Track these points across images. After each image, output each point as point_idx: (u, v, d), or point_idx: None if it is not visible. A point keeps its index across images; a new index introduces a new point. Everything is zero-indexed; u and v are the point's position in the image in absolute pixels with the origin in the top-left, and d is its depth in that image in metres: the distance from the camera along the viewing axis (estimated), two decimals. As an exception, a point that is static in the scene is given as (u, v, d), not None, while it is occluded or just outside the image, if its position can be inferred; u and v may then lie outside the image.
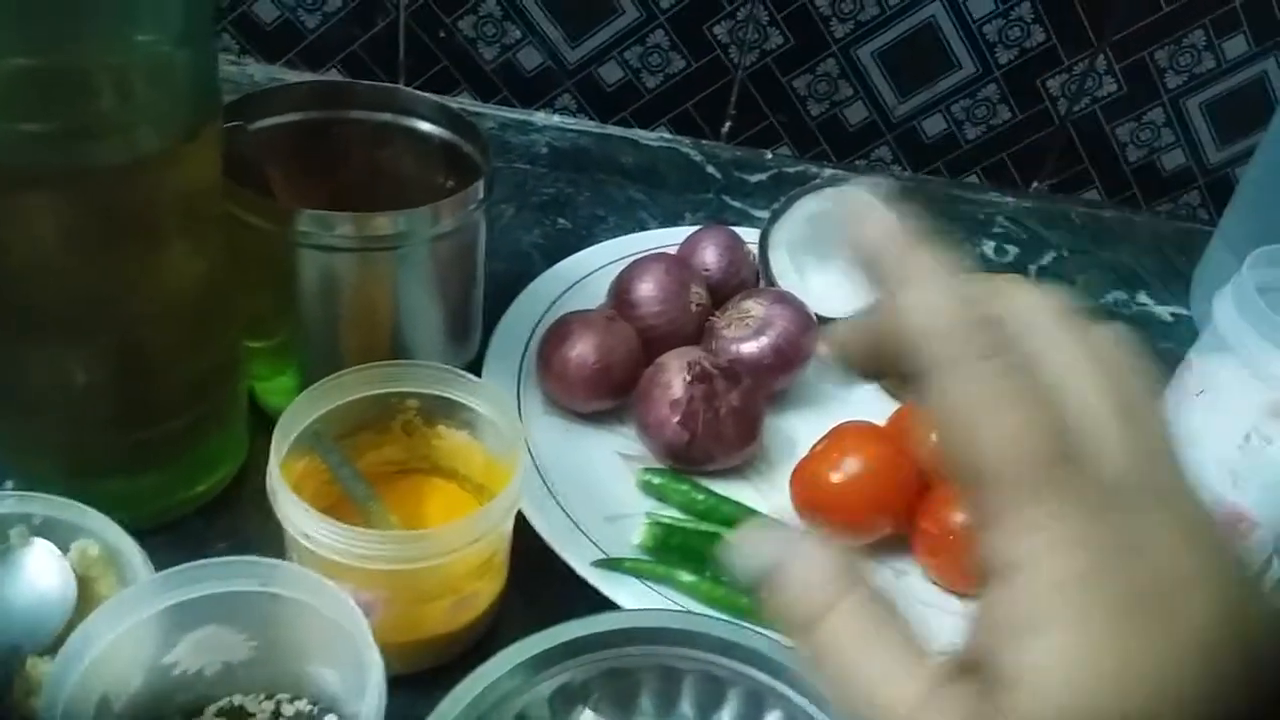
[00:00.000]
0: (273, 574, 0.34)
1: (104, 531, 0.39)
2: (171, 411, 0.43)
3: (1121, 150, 0.82)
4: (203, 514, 0.47)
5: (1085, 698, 0.18)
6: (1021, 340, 0.21)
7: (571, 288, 0.61)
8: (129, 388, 0.41)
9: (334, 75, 0.81)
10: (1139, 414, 0.21)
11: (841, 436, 0.49)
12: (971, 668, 0.19)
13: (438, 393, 0.43)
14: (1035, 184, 0.84)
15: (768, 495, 0.52)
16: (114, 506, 0.44)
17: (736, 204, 0.78)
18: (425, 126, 0.52)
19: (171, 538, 0.46)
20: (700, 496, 0.49)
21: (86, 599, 0.39)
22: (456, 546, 0.37)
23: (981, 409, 0.20)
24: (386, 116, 0.52)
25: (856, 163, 0.84)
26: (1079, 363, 0.21)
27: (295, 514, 0.36)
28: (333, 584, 0.34)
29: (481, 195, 0.48)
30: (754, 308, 0.56)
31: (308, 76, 0.80)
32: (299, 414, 0.40)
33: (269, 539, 0.47)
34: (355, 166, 0.53)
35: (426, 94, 0.52)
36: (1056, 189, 0.85)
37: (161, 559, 0.45)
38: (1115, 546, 0.18)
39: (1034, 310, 0.22)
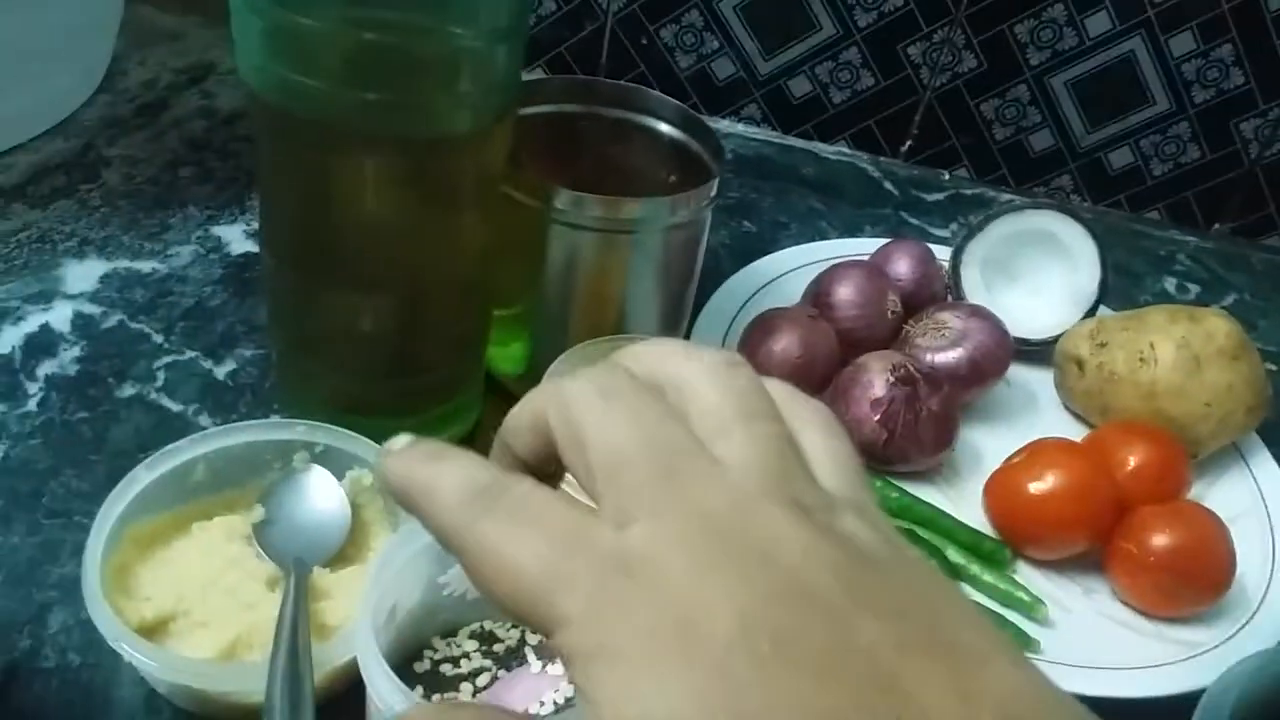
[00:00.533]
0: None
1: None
2: (434, 365, 0.47)
3: (1311, 198, 0.81)
4: (437, 462, 0.52)
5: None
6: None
7: (764, 287, 0.64)
8: (404, 339, 0.46)
9: (538, 74, 0.86)
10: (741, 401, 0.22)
11: (1042, 450, 0.51)
12: None
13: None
14: (1217, 225, 0.84)
15: (956, 502, 0.54)
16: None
17: (914, 221, 0.80)
18: (660, 125, 0.56)
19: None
20: (894, 494, 0.52)
21: (357, 522, 0.44)
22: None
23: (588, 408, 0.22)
24: (623, 113, 0.56)
25: (1035, 189, 0.84)
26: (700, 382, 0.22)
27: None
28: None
29: (713, 193, 0.52)
30: (950, 319, 0.58)
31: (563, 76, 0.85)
32: (555, 370, 0.44)
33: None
34: (592, 157, 0.57)
35: (667, 96, 0.55)
36: (1238, 232, 0.84)
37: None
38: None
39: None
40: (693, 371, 0.23)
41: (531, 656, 0.40)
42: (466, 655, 0.40)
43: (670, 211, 0.50)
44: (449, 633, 0.41)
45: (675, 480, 0.20)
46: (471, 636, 0.41)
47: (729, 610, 0.18)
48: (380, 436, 0.49)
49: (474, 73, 0.39)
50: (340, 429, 0.44)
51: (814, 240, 0.73)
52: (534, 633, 0.41)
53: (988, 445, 0.57)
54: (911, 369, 0.53)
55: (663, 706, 0.18)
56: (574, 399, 0.22)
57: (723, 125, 0.86)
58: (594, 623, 0.19)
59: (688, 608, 0.18)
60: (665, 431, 0.21)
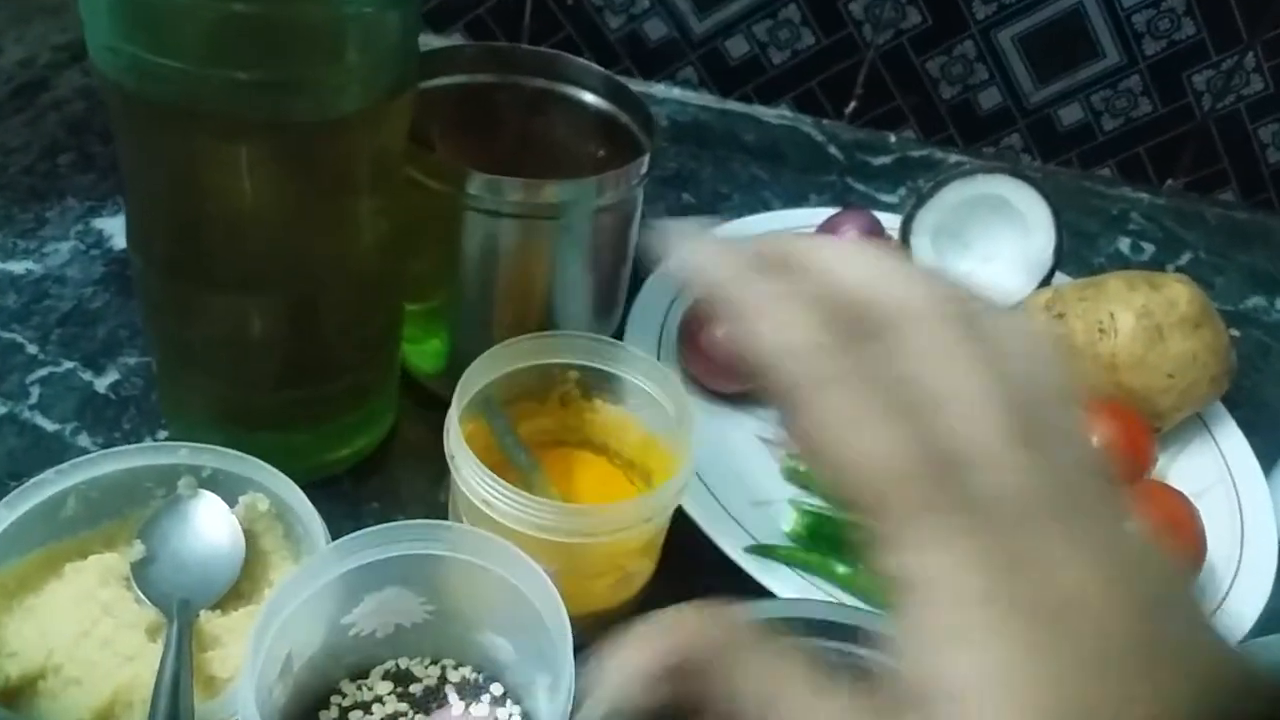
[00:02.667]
0: (461, 540, 0.34)
1: (276, 486, 0.39)
2: (336, 370, 0.43)
3: (1262, 151, 0.79)
4: (354, 474, 0.47)
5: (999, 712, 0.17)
6: (897, 350, 0.19)
7: (706, 265, 0.60)
8: (298, 343, 0.41)
9: (456, 39, 0.80)
10: (1030, 417, 0.19)
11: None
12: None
13: (601, 365, 0.42)
14: (1170, 181, 0.81)
15: (911, 488, 0.51)
16: (268, 461, 0.45)
17: (860, 187, 0.76)
18: (585, 95, 0.51)
19: (323, 497, 0.46)
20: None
21: (253, 554, 0.39)
22: (631, 523, 0.36)
23: (848, 426, 0.19)
24: (544, 83, 0.51)
25: (984, 149, 0.81)
26: (959, 367, 0.19)
27: (475, 478, 0.36)
28: (522, 553, 0.33)
29: (645, 170, 0.47)
30: (901, 295, 0.54)
31: (431, 40, 0.80)
32: (475, 378, 0.39)
33: (418, 501, 0.47)
34: (511, 132, 0.52)
35: (592, 64, 0.51)
36: (1191, 187, 0.81)
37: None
38: (1011, 562, 0.18)
39: (914, 312, 0.20)
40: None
41: (453, 696, 0.37)
42: (379, 699, 0.36)
43: (597, 193, 0.46)
44: (359, 675, 0.37)
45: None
46: (385, 677, 0.37)
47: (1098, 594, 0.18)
48: (282, 452, 0.46)
49: (362, 43, 0.35)
50: (228, 450, 0.39)
51: (757, 211, 0.70)
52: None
53: (943, 426, 0.54)
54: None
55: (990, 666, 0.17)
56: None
57: (658, 90, 0.81)
58: (928, 556, 0.18)
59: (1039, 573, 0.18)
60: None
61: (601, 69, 0.50)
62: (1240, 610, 0.46)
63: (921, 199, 0.60)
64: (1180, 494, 0.46)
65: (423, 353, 0.50)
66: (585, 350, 0.42)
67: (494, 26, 0.80)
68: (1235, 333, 0.54)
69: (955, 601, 0.18)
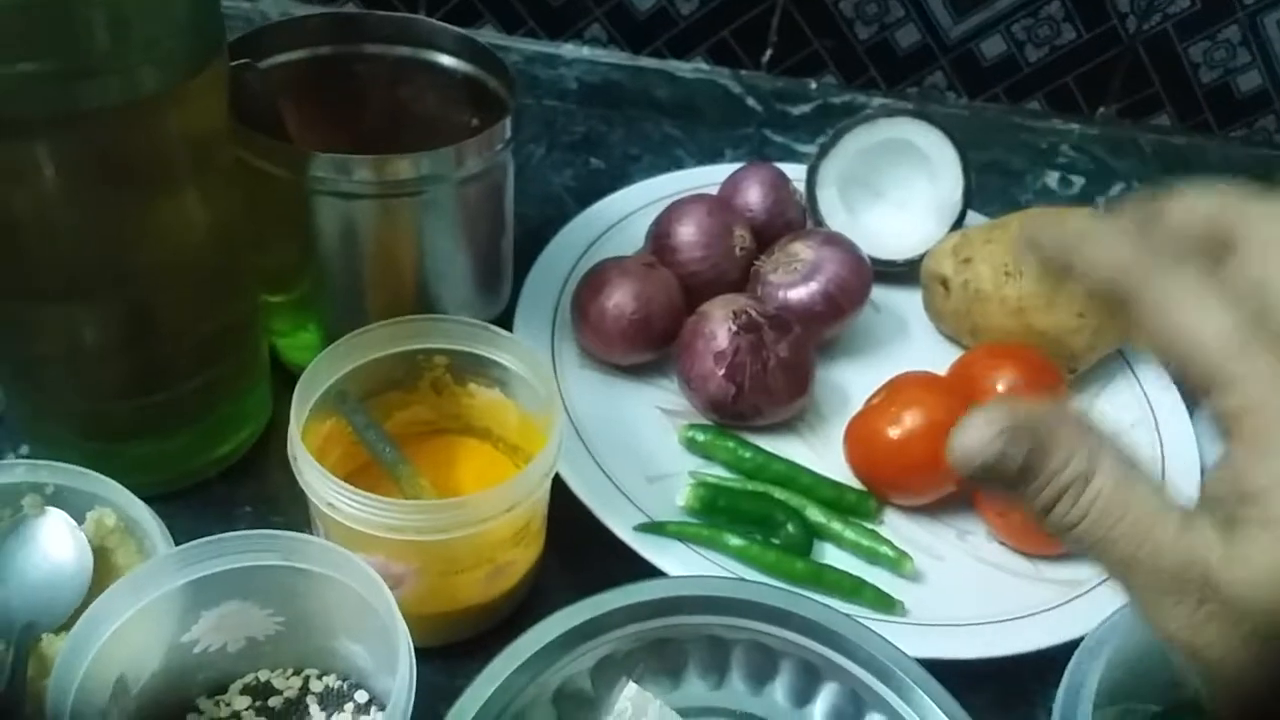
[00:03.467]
0: (294, 547, 0.32)
1: (120, 500, 0.37)
2: (186, 372, 0.40)
3: (1194, 72, 0.76)
4: (227, 477, 0.45)
5: None
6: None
7: (606, 232, 0.58)
8: (139, 349, 0.39)
9: (351, 9, 0.77)
10: None
11: (899, 388, 0.46)
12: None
13: (467, 349, 0.40)
14: (1101, 109, 0.79)
15: (820, 452, 0.49)
16: (132, 471, 0.43)
17: (779, 139, 0.74)
18: (447, 60, 0.48)
19: (195, 502, 0.44)
20: (748, 454, 0.46)
21: (104, 571, 0.37)
22: (491, 514, 0.34)
23: (1191, 304, 0.21)
24: (406, 50, 0.48)
25: (908, 90, 0.78)
26: None
27: (318, 482, 0.34)
28: (357, 557, 0.31)
29: (509, 134, 0.45)
30: (802, 250, 0.52)
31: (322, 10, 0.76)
32: (320, 373, 0.37)
33: (296, 502, 0.44)
34: (375, 105, 0.50)
35: (448, 25, 0.48)
36: (1124, 114, 0.79)
37: (184, 525, 0.44)
38: None
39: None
40: None
41: (314, 708, 0.35)
42: (237, 715, 0.34)
43: (457, 163, 0.43)
44: (218, 690, 0.35)
45: None
46: (244, 692, 0.35)
47: None
48: (147, 461, 0.44)
49: (147, 20, 0.32)
50: (69, 465, 0.37)
51: (670, 171, 0.67)
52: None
53: (855, 382, 0.52)
54: (754, 314, 0.47)
55: None
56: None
57: (566, 50, 0.78)
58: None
59: None
60: None
61: (459, 30, 0.48)
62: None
63: (824, 149, 0.57)
64: (1085, 439, 0.44)
65: (296, 345, 0.47)
66: (447, 334, 0.40)
67: (385, -7, 0.76)
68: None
69: None
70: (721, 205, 0.54)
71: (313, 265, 0.44)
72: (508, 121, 0.44)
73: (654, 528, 0.43)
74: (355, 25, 0.48)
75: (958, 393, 0.46)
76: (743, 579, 0.41)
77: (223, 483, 0.45)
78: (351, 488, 0.33)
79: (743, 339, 0.47)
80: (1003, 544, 0.45)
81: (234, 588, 0.33)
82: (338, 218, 0.42)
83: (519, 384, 0.40)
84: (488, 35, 0.77)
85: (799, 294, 0.51)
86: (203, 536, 0.43)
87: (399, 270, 0.45)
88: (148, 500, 0.43)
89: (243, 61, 0.44)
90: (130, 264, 0.36)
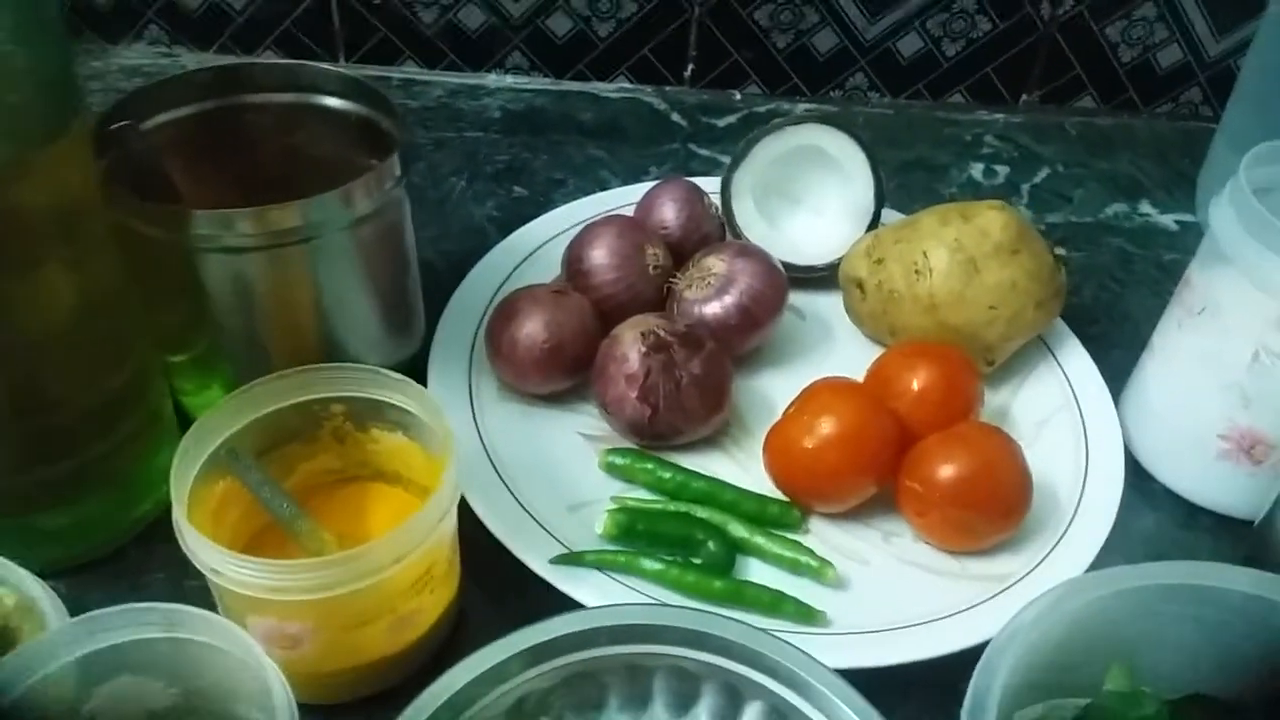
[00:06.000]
0: (175, 618, 0.31)
1: (14, 578, 0.37)
2: (80, 442, 0.40)
3: (1113, 51, 0.76)
4: (141, 543, 0.44)
5: None
6: None
7: (525, 260, 0.58)
8: (29, 421, 0.38)
9: (270, 57, 0.77)
10: None
11: (811, 396, 0.45)
12: None
13: (362, 394, 0.40)
14: (1024, 97, 0.79)
15: (746, 465, 0.48)
16: (44, 544, 0.42)
17: (704, 152, 0.73)
18: (337, 103, 0.48)
19: (108, 572, 0.44)
20: (668, 474, 0.46)
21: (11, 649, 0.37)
22: (382, 566, 0.34)
23: None
24: (294, 97, 0.48)
25: (832, 93, 0.78)
26: None
27: (200, 549, 0.33)
28: (231, 624, 0.31)
29: (399, 171, 0.45)
30: (716, 264, 0.52)
31: (245, 61, 0.76)
32: (205, 435, 0.37)
33: (210, 564, 0.44)
34: (271, 155, 0.49)
35: (331, 67, 0.48)
36: (1047, 99, 0.79)
37: (96, 597, 0.43)
38: None
39: None
40: None
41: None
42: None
43: (345, 206, 0.43)
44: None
45: None
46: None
47: None
48: (57, 532, 0.42)
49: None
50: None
51: (593, 194, 0.67)
52: None
53: (780, 391, 0.51)
54: (662, 333, 0.47)
55: None
56: None
57: (490, 80, 0.78)
58: None
59: None
60: None
61: (339, 70, 0.47)
62: (1083, 539, 0.44)
63: (735, 161, 0.57)
64: (997, 430, 0.44)
65: (202, 404, 0.47)
66: (339, 382, 0.39)
67: (307, 40, 0.76)
68: (1061, 251, 0.52)
69: None
70: (633, 225, 0.54)
71: (208, 323, 0.44)
72: (396, 158, 0.44)
73: (571, 558, 0.42)
74: (240, 77, 0.47)
75: (872, 395, 0.45)
76: (660, 603, 0.40)
77: (137, 548, 0.44)
78: (230, 553, 0.32)
79: (653, 359, 0.46)
80: (928, 543, 0.45)
81: (122, 662, 0.32)
82: (226, 274, 0.42)
83: (419, 426, 0.40)
84: (410, 72, 0.77)
85: (713, 309, 0.51)
86: (114, 606, 0.43)
87: (299, 320, 0.45)
88: (63, 573, 0.43)
89: (124, 124, 0.43)
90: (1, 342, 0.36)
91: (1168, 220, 0.69)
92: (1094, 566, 0.43)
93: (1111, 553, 0.44)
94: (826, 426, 0.43)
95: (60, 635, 0.31)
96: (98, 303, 0.38)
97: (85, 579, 0.44)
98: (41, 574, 0.42)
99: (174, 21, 0.75)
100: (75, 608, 0.42)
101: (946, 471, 0.42)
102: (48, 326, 0.37)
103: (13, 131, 0.32)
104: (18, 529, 0.41)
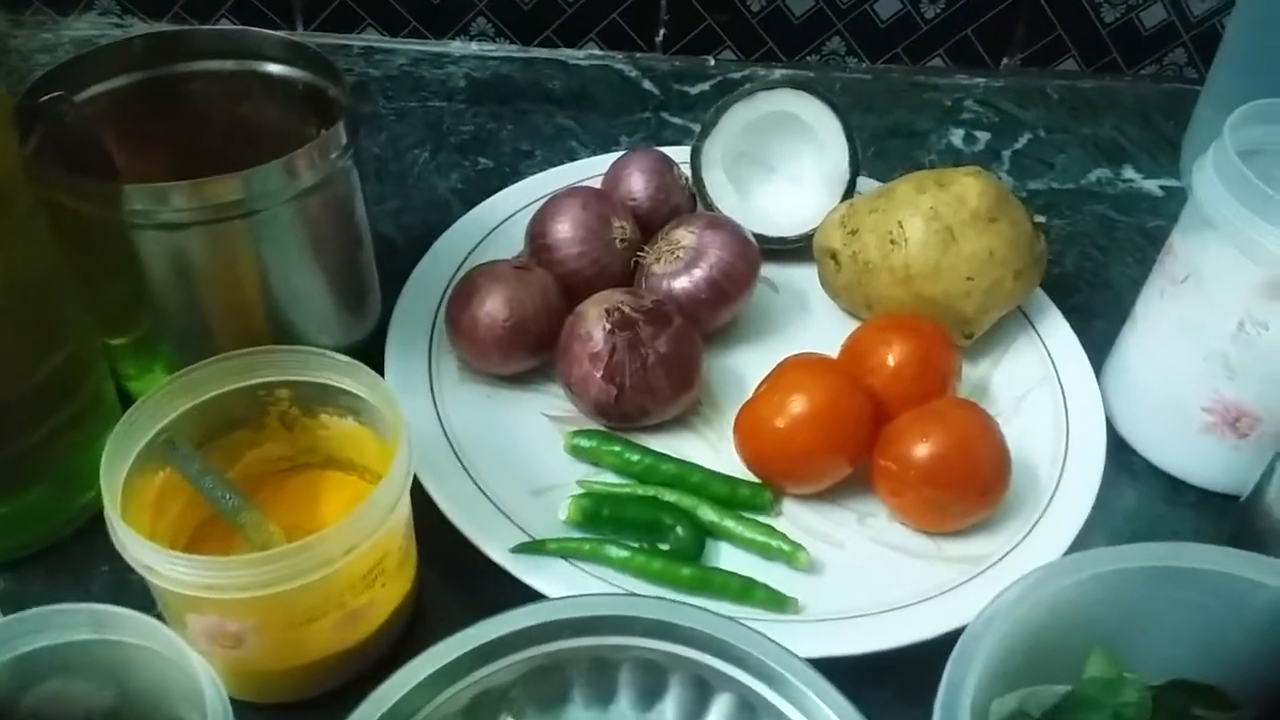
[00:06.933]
0: (103, 619, 0.29)
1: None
2: (19, 427, 0.38)
3: (1096, 11, 0.74)
4: (83, 536, 0.42)
5: None
6: None
7: (489, 235, 0.55)
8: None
9: (225, 24, 0.74)
10: None
11: (782, 374, 0.44)
12: None
13: (309, 379, 0.38)
14: (1005, 60, 0.77)
15: (717, 446, 0.47)
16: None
17: (677, 120, 0.71)
18: (281, 70, 0.46)
19: (49, 565, 0.42)
20: (635, 457, 0.44)
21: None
22: (328, 560, 0.32)
23: None
24: (237, 64, 0.46)
25: (808, 58, 0.76)
26: None
27: (132, 545, 0.31)
28: (162, 626, 0.29)
29: (345, 140, 0.42)
30: (684, 237, 0.50)
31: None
32: (140, 423, 0.35)
33: (156, 556, 0.42)
34: (216, 126, 0.47)
35: (275, 32, 0.45)
36: (1029, 62, 0.77)
37: (36, 592, 0.41)
38: None
39: None
40: None
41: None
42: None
43: (287, 178, 0.40)
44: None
45: None
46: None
47: None
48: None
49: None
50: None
51: (561, 164, 0.65)
52: None
53: (753, 368, 0.50)
54: (627, 310, 0.45)
55: None
56: None
57: (455, 47, 0.75)
58: None
59: None
60: None
61: (283, 36, 0.45)
62: (1063, 519, 0.43)
63: (705, 128, 0.55)
64: (973, 406, 0.43)
65: (147, 388, 0.44)
66: (283, 365, 0.37)
67: (262, 6, 0.73)
68: (1041, 219, 0.50)
69: None
70: (598, 197, 0.52)
71: (147, 304, 0.41)
72: (341, 126, 0.42)
73: (533, 547, 0.40)
74: (181, 43, 0.45)
75: (845, 372, 0.44)
76: (626, 593, 0.39)
77: (79, 542, 0.42)
78: (163, 549, 0.30)
79: (618, 337, 0.44)
80: (904, 524, 0.43)
81: (52, 664, 0.30)
82: (164, 251, 0.40)
83: (370, 411, 0.38)
84: (371, 40, 0.75)
85: (682, 283, 0.49)
86: (57, 602, 0.41)
87: (243, 299, 0.43)
88: (2, 566, 0.41)
89: (54, 95, 0.41)
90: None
91: (1152, 186, 0.68)
92: (1075, 546, 0.42)
93: (1093, 531, 0.43)
94: (798, 405, 0.42)
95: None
96: (24, 285, 0.36)
97: (25, 572, 0.42)
98: (-22, 567, 0.40)
99: (123, -11, 0.72)
100: (15, 603, 0.40)
101: (922, 450, 0.40)
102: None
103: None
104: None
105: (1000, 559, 0.41)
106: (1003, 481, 0.41)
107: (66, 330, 0.39)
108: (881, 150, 0.68)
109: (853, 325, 0.52)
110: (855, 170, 0.55)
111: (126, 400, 0.45)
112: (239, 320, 0.43)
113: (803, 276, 0.55)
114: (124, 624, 0.29)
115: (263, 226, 0.41)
